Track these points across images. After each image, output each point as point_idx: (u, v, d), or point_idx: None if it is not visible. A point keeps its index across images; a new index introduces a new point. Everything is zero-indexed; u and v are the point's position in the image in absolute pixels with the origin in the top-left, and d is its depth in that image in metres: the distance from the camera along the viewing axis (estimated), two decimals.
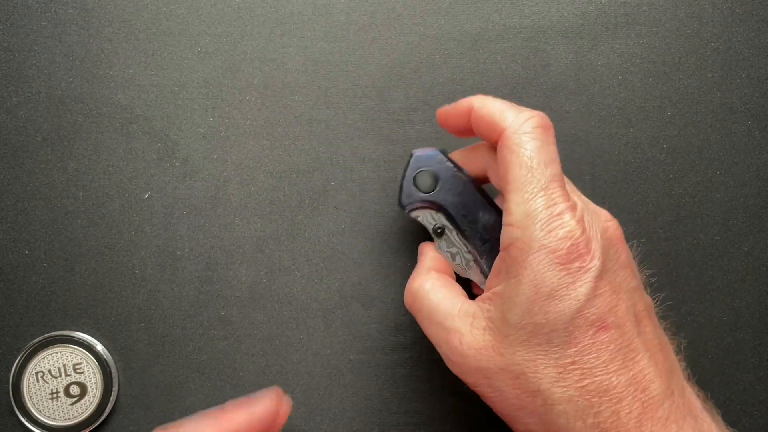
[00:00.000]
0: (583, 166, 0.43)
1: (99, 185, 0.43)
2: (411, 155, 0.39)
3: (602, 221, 0.34)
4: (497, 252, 0.36)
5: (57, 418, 0.43)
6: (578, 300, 0.32)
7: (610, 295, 0.32)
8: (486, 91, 0.43)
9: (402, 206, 0.39)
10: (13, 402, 0.42)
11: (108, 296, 0.43)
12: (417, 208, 0.39)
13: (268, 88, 0.43)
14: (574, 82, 0.43)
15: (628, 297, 0.33)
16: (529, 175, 0.33)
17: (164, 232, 0.43)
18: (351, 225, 0.43)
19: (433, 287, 0.37)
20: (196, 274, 0.43)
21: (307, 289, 0.43)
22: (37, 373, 0.43)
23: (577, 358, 0.32)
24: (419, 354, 0.43)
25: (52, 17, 0.43)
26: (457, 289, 0.37)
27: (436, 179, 0.38)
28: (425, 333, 0.37)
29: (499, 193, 0.37)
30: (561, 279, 0.32)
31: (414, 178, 0.38)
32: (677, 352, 0.36)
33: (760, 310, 0.43)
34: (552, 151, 0.34)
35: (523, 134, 0.34)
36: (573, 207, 0.33)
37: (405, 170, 0.39)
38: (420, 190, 0.38)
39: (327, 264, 0.43)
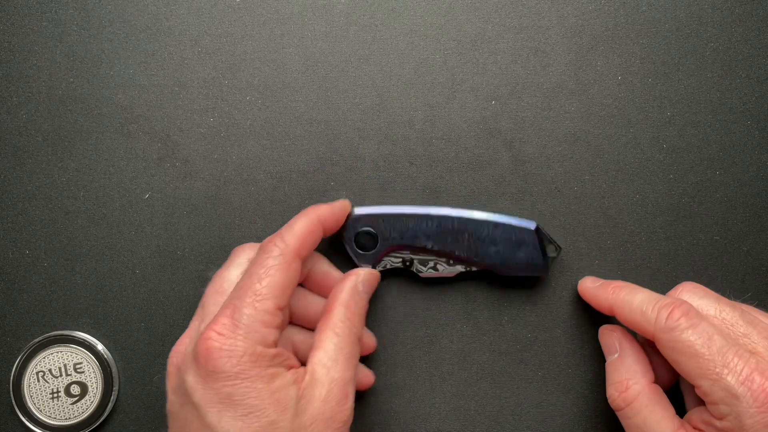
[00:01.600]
0: (583, 166, 0.43)
1: (99, 185, 0.43)
2: (342, 238, 0.41)
3: None
4: (462, 240, 0.41)
5: (57, 417, 0.43)
6: None
7: None
8: (486, 91, 0.43)
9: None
10: (13, 401, 0.43)
11: (108, 296, 0.43)
12: (379, 263, 0.41)
13: (268, 88, 0.43)
14: (574, 82, 0.43)
15: None
16: (702, 361, 0.34)
17: (164, 232, 0.43)
18: None
19: (651, 402, 0.37)
20: (196, 274, 0.43)
21: None
22: (37, 373, 0.43)
23: None
24: (419, 354, 0.43)
25: (52, 17, 0.43)
26: (670, 408, 0.37)
27: (371, 235, 0.41)
28: None
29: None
30: None
31: (356, 245, 0.41)
32: None
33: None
34: (704, 328, 0.35)
35: (671, 331, 0.35)
36: (762, 370, 0.33)
37: (347, 248, 0.41)
38: (369, 250, 0.41)
39: None
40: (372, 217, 0.41)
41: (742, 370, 0.33)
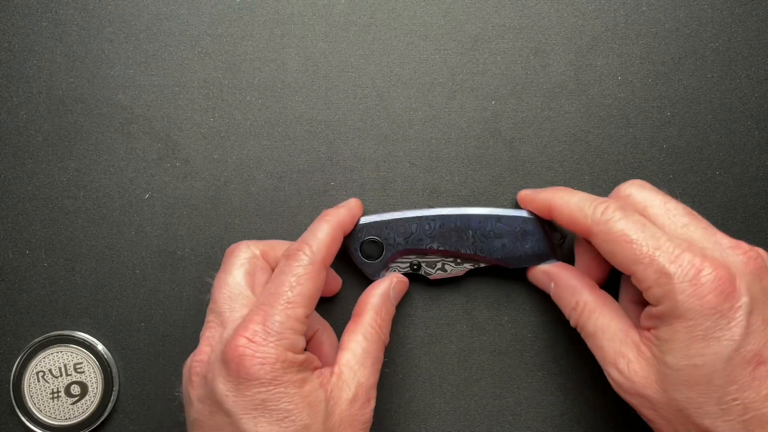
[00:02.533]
0: (583, 166, 0.43)
1: (99, 185, 0.43)
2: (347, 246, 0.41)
3: (740, 254, 0.35)
4: (466, 237, 0.41)
5: (58, 417, 0.43)
6: (733, 340, 0.33)
7: (763, 329, 0.33)
8: (486, 91, 0.43)
9: (376, 278, 0.42)
10: (14, 401, 0.43)
11: (109, 296, 0.43)
12: (386, 270, 0.42)
13: (268, 88, 0.43)
14: (574, 82, 0.43)
15: None
16: (635, 246, 0.35)
17: (165, 232, 0.43)
18: None
19: (598, 306, 0.38)
20: (196, 274, 0.43)
21: None
22: (38, 373, 0.43)
23: (738, 395, 0.33)
24: (419, 354, 0.43)
25: (52, 17, 0.43)
26: (620, 309, 0.38)
27: (377, 243, 0.41)
28: (589, 347, 0.38)
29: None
30: (714, 322, 0.33)
31: (363, 255, 0.41)
32: None
33: None
34: (638, 219, 0.36)
35: (606, 222, 0.36)
36: (697, 251, 0.34)
37: (354, 259, 0.42)
38: (375, 258, 0.41)
39: None
40: (375, 225, 0.41)
41: (673, 251, 0.34)
